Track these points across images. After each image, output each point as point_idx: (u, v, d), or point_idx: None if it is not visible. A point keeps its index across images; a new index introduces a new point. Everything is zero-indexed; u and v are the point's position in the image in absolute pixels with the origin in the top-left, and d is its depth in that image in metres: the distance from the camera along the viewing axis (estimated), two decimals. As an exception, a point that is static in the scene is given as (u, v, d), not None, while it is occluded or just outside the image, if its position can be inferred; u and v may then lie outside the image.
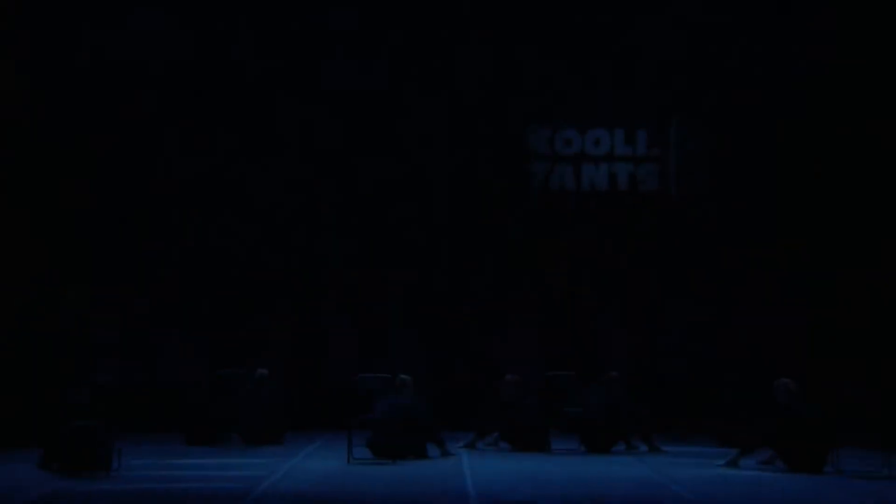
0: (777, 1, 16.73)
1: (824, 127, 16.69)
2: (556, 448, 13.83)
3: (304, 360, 16.72)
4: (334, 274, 17.00)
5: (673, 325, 16.62)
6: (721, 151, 17.14)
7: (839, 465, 12.24)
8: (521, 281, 16.97)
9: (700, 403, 15.78)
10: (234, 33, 17.13)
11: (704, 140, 17.20)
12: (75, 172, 16.64)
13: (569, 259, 16.95)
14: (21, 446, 13.28)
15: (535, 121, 17.24)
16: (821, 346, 16.00)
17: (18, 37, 16.38)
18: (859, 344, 15.59)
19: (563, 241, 16.99)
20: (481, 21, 17.04)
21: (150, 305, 16.88)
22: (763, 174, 16.89)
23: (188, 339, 16.71)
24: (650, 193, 17.25)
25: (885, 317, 15.88)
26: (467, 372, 16.47)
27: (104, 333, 16.61)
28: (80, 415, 11.81)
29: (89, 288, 16.69)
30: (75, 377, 12.60)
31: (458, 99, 17.10)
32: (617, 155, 17.25)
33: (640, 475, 11.95)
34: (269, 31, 17.20)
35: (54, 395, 12.47)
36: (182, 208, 17.13)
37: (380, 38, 17.16)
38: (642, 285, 16.90)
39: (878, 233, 16.30)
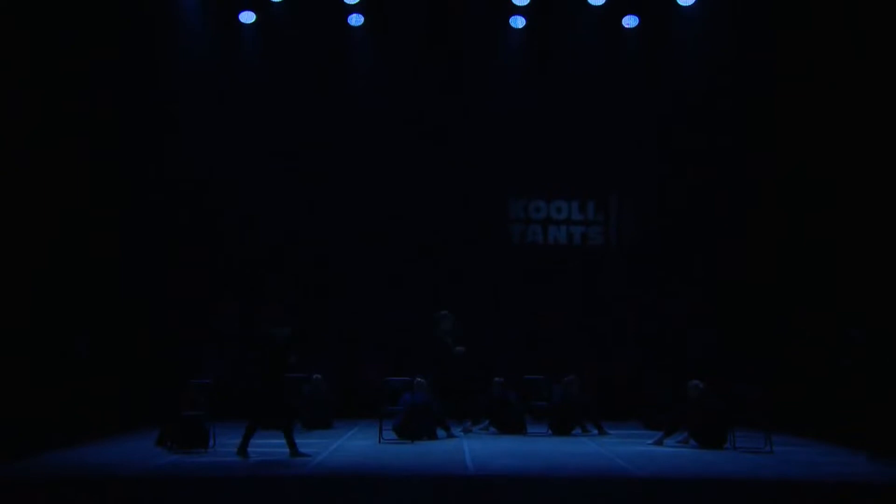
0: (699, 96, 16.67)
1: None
2: (531, 431, 13.74)
3: (347, 367, 16.51)
4: (369, 306, 16.66)
5: (614, 342, 16.49)
6: (647, 217, 17.13)
7: (735, 443, 12.19)
8: (504, 310, 16.84)
9: (633, 397, 15.63)
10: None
11: (634, 209, 17.21)
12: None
13: (539, 294, 16.87)
14: (143, 429, 13.23)
15: (513, 195, 17.21)
16: (725, 357, 15.91)
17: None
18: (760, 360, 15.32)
19: (535, 282, 16.89)
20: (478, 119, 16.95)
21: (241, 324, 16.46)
22: (677, 234, 16.87)
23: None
24: (597, 247, 17.20)
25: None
26: (466, 375, 16.29)
27: (207, 349, 16.35)
28: (188, 406, 11.76)
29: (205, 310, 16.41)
30: (186, 378, 12.45)
31: (456, 177, 16.88)
32: (573, 219, 17.21)
33: (592, 451, 11.87)
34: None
35: (169, 391, 12.35)
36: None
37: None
38: (592, 313, 16.82)
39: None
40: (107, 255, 14.92)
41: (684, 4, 16.45)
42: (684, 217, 16.83)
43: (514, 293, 16.82)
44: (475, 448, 11.91)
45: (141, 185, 15.78)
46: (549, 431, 13.66)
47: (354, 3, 16.50)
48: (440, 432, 13.03)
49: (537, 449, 11.90)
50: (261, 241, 16.57)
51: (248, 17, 16.49)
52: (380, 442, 12.44)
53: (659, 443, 12.38)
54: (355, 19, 16.62)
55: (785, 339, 15.43)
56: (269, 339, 11.26)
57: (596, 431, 13.65)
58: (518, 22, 16.84)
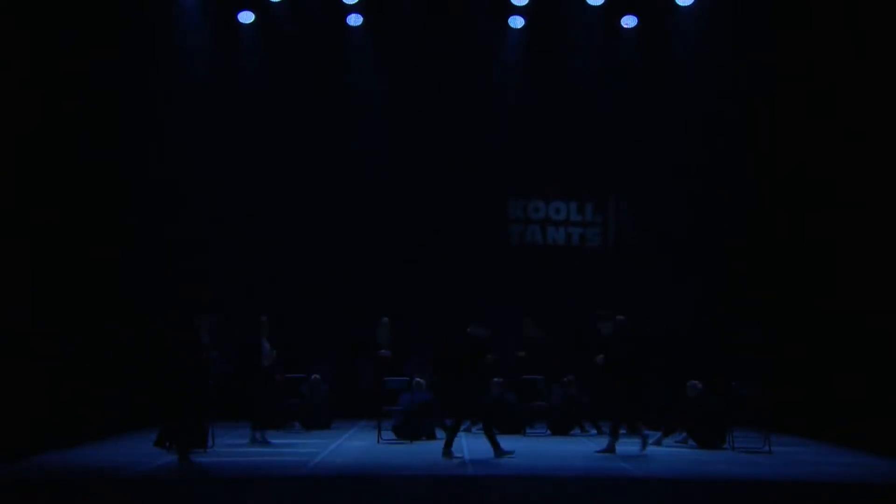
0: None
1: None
2: (530, 431, 13.82)
3: (346, 367, 16.52)
4: (368, 306, 16.63)
5: (609, 342, 16.49)
6: (645, 219, 17.21)
7: (733, 443, 12.25)
8: (503, 310, 16.84)
9: (632, 398, 15.60)
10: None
11: (633, 210, 17.28)
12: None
13: (537, 293, 16.90)
14: (143, 429, 13.26)
15: (513, 195, 17.28)
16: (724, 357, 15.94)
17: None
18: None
19: (533, 281, 16.94)
20: (480, 125, 17.02)
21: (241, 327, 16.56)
22: (675, 235, 16.92)
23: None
24: (594, 248, 17.28)
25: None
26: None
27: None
28: (187, 406, 11.77)
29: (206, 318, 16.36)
30: (185, 378, 12.46)
31: (455, 177, 16.93)
32: (571, 220, 17.30)
33: (591, 451, 11.93)
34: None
35: (168, 392, 12.35)
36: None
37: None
38: (588, 312, 16.79)
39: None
40: (107, 255, 14.95)
41: (683, 4, 16.52)
42: (683, 218, 16.88)
43: (513, 293, 16.86)
44: (473, 447, 11.97)
45: (140, 185, 15.80)
46: (548, 431, 13.73)
47: (353, 3, 16.56)
48: (439, 432, 13.08)
49: (536, 449, 11.97)
50: (259, 240, 16.58)
51: (247, 17, 16.56)
52: (379, 442, 12.51)
53: (657, 443, 12.45)
54: (354, 19, 16.69)
55: (785, 339, 15.48)
56: (468, 339, 11.34)
57: (595, 431, 13.71)
58: (517, 22, 16.91)
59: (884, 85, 13.79)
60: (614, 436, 11.71)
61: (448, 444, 11.14)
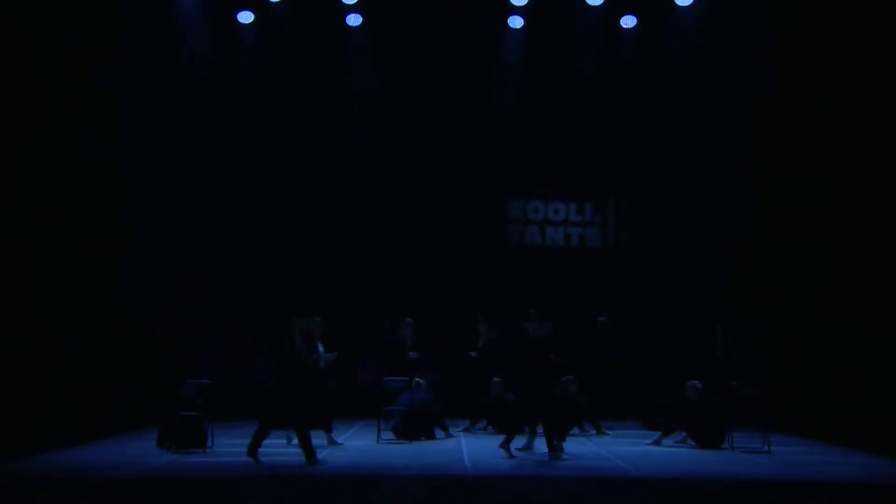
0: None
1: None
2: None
3: (346, 366, 16.49)
4: (367, 306, 16.64)
5: (609, 341, 16.54)
6: (642, 219, 17.22)
7: (733, 443, 12.28)
8: (502, 311, 16.84)
9: (631, 398, 15.64)
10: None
11: (632, 211, 17.29)
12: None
13: (536, 293, 16.88)
14: (143, 429, 13.31)
15: (512, 196, 17.29)
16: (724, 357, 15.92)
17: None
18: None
19: (532, 281, 16.95)
20: (479, 125, 17.03)
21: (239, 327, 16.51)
22: (675, 236, 16.94)
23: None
24: (594, 248, 17.29)
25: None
26: (463, 377, 16.32)
27: (204, 347, 16.39)
28: (187, 406, 11.82)
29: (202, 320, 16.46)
30: (184, 378, 12.50)
31: (455, 177, 16.93)
32: (571, 221, 17.31)
33: (590, 451, 11.96)
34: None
35: (169, 392, 12.40)
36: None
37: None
38: (588, 312, 16.85)
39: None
40: (107, 255, 14.97)
41: (682, 5, 16.54)
42: (683, 218, 16.88)
43: (512, 293, 16.87)
44: (473, 448, 11.99)
45: (140, 185, 15.82)
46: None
47: (353, 3, 16.58)
48: (438, 432, 13.10)
49: (536, 449, 11.97)
50: (259, 240, 16.60)
51: (246, 17, 16.58)
52: (378, 442, 12.53)
53: (657, 443, 12.47)
54: (353, 19, 16.70)
55: (785, 339, 15.50)
56: (530, 338, 11.35)
57: (594, 431, 13.72)
58: (517, 22, 16.93)
59: (884, 85, 13.81)
60: (532, 433, 11.76)
61: (552, 447, 11.11)
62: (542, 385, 11.43)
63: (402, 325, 14.67)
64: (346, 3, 16.55)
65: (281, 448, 11.76)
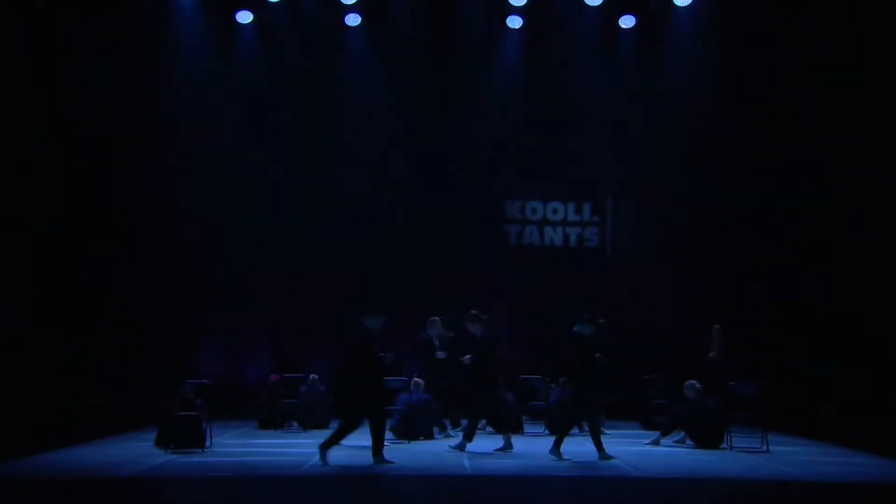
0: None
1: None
2: (528, 431, 13.84)
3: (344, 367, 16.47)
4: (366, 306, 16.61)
5: (606, 341, 16.55)
6: (640, 219, 17.23)
7: (731, 443, 12.29)
8: (501, 311, 16.85)
9: (629, 397, 15.63)
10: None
11: (629, 212, 17.31)
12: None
13: (535, 294, 16.91)
14: (143, 429, 13.30)
15: (511, 195, 17.31)
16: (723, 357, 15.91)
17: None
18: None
19: (531, 281, 16.96)
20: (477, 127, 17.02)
21: (240, 330, 16.61)
22: (674, 236, 16.94)
23: (263, 352, 16.59)
24: (592, 248, 17.30)
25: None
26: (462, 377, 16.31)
27: (205, 348, 16.45)
28: (186, 407, 11.85)
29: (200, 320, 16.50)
30: (183, 378, 12.52)
31: (454, 177, 16.95)
32: (569, 221, 17.32)
33: (590, 451, 11.95)
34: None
35: (168, 392, 12.42)
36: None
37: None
38: (585, 311, 16.79)
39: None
40: (107, 255, 15.00)
41: (681, 4, 16.55)
42: (681, 218, 16.89)
43: (511, 293, 16.88)
44: (471, 447, 11.99)
45: (140, 185, 15.83)
46: (546, 431, 13.74)
47: (352, 3, 16.59)
48: (437, 432, 13.11)
49: (534, 449, 11.98)
50: (259, 240, 16.62)
51: (245, 16, 16.59)
52: (378, 442, 12.51)
53: (656, 443, 12.49)
54: (352, 19, 16.70)
55: (785, 339, 15.51)
56: (578, 338, 11.38)
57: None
58: (515, 22, 16.94)
59: (884, 85, 13.81)
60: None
61: (599, 448, 11.15)
62: (583, 386, 11.36)
63: (429, 323, 14.35)
64: (345, 3, 16.56)
65: (281, 448, 11.77)
